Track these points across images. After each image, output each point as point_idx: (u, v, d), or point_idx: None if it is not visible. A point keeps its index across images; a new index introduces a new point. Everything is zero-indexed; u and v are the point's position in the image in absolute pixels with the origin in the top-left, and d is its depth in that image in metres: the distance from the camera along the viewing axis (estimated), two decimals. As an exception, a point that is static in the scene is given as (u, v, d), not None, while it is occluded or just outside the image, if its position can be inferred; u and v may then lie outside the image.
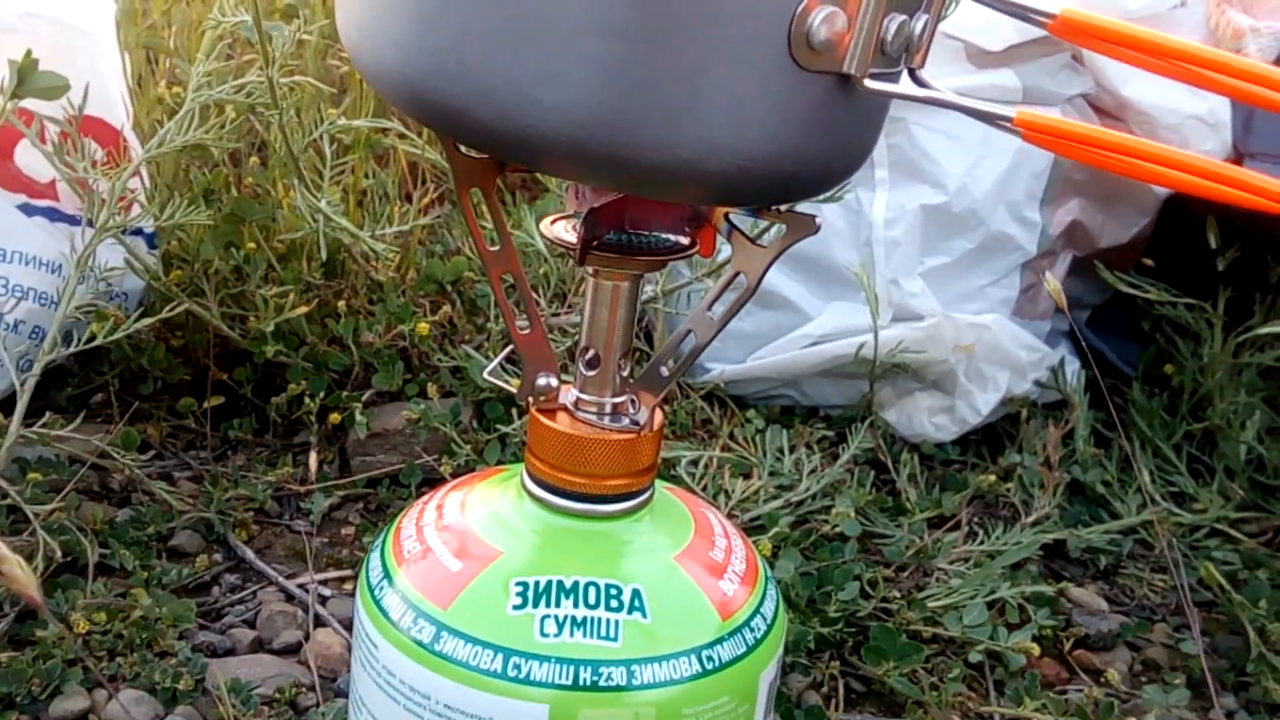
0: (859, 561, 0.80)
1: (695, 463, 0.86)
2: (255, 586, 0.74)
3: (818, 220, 0.42)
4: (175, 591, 0.71)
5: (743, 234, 0.45)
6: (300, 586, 0.74)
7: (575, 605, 0.46)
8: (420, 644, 0.46)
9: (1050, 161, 0.94)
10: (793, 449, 0.92)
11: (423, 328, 0.87)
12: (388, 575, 0.49)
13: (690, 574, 0.50)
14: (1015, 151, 0.92)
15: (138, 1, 1.24)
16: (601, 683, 0.45)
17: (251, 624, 0.71)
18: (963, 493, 0.91)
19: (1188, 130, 0.97)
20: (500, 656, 0.45)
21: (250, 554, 0.76)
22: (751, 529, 0.81)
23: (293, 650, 0.69)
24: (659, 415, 0.50)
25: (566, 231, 0.48)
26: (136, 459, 0.78)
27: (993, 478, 0.92)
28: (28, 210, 0.83)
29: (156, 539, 0.76)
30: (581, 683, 0.45)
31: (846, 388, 1.01)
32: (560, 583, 0.47)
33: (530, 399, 0.49)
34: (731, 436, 0.95)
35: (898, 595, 0.77)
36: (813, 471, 0.89)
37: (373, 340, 0.87)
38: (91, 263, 0.73)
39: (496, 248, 0.47)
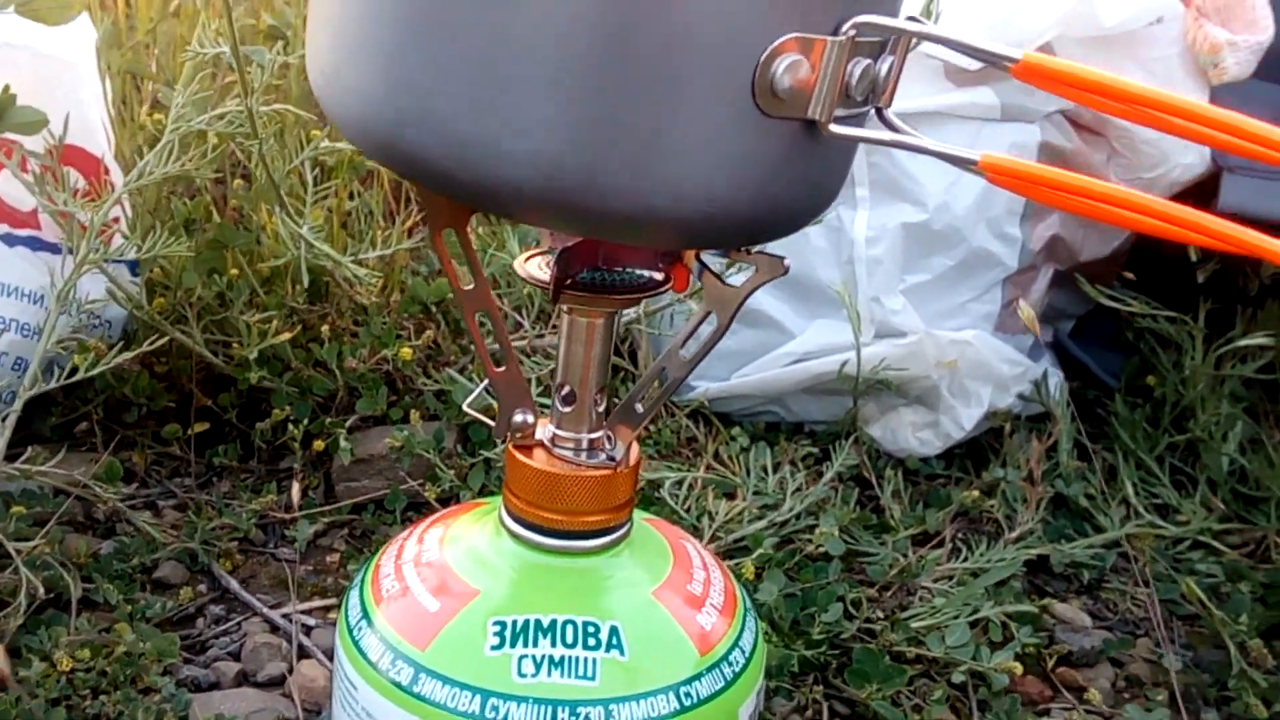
0: (843, 581, 0.80)
1: (679, 484, 0.86)
2: (240, 617, 0.74)
3: (786, 262, 0.43)
4: (159, 625, 0.71)
5: (714, 274, 0.45)
6: (285, 617, 0.74)
7: (553, 644, 0.47)
8: (399, 685, 0.46)
9: (1030, 177, 0.94)
10: (777, 467, 0.92)
11: (405, 353, 0.87)
12: (366, 616, 0.49)
13: (668, 609, 0.50)
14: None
15: (121, 20, 1.25)
16: (579, 722, 0.45)
17: (236, 656, 0.71)
18: (946, 509, 0.92)
19: (1167, 144, 0.97)
20: (478, 698, 0.45)
21: (234, 584, 0.76)
22: (735, 550, 0.81)
23: (277, 683, 0.69)
24: (635, 450, 0.51)
25: (540, 269, 0.48)
26: (120, 490, 0.78)
27: (976, 493, 0.92)
28: (9, 240, 0.83)
29: (141, 570, 0.76)
30: (559, 723, 0.45)
31: (831, 404, 1.01)
32: (538, 621, 0.47)
33: (507, 436, 0.50)
34: (716, 455, 0.95)
35: (881, 615, 0.77)
36: (797, 490, 0.89)
37: (356, 365, 0.88)
38: (73, 295, 0.73)
39: (471, 286, 0.47)
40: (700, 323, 0.47)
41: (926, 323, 0.96)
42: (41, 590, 0.67)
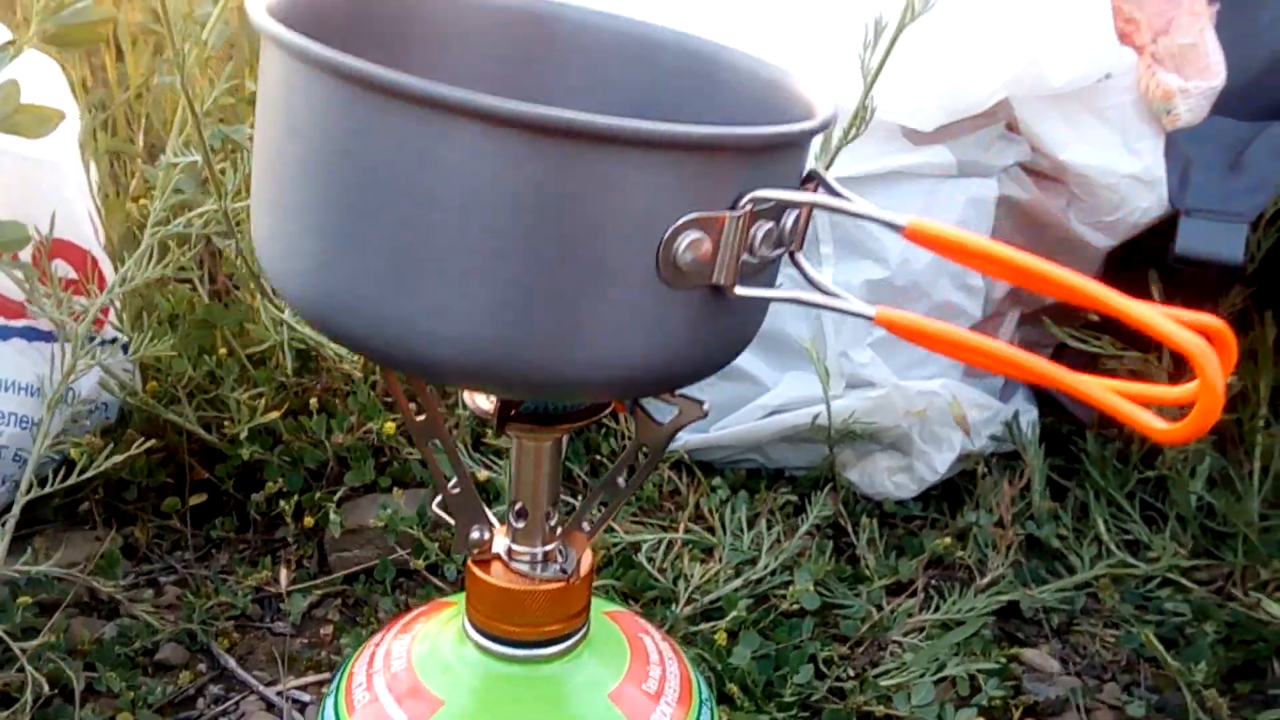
0: (816, 639, 0.83)
1: (657, 546, 0.89)
2: (238, 696, 0.78)
3: (705, 406, 0.46)
4: (160, 709, 0.74)
5: (644, 411, 0.48)
6: (280, 694, 0.78)
7: (511, 754, 0.50)
8: (369, 797, 0.50)
9: (990, 228, 0.97)
10: (754, 520, 0.95)
11: (389, 427, 0.90)
12: (339, 726, 0.53)
13: (624, 711, 0.53)
14: (954, 225, 0.95)
15: (113, 79, 1.28)
16: (536, 828, 0.49)
17: (233, 737, 0.74)
18: (919, 557, 0.94)
19: (1125, 188, 1.00)
20: (441, 809, 0.49)
21: (232, 663, 0.80)
22: (711, 611, 0.84)
23: (272, 764, 0.73)
24: (588, 560, 0.54)
25: (486, 400, 0.52)
26: (119, 581, 0.82)
27: (948, 540, 0.95)
28: (4, 333, 0.87)
29: (143, 653, 0.79)
30: (518, 829, 0.49)
31: (809, 451, 1.04)
32: (497, 732, 0.50)
33: (465, 552, 0.53)
34: (696, 507, 0.98)
35: (852, 674, 0.80)
36: (774, 543, 0.92)
37: (343, 440, 0.91)
38: (67, 393, 0.77)
39: (423, 418, 0.51)
40: (634, 455, 0.50)
41: (895, 373, 0.98)
42: (46, 686, 0.70)
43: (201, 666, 0.80)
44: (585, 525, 0.52)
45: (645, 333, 0.40)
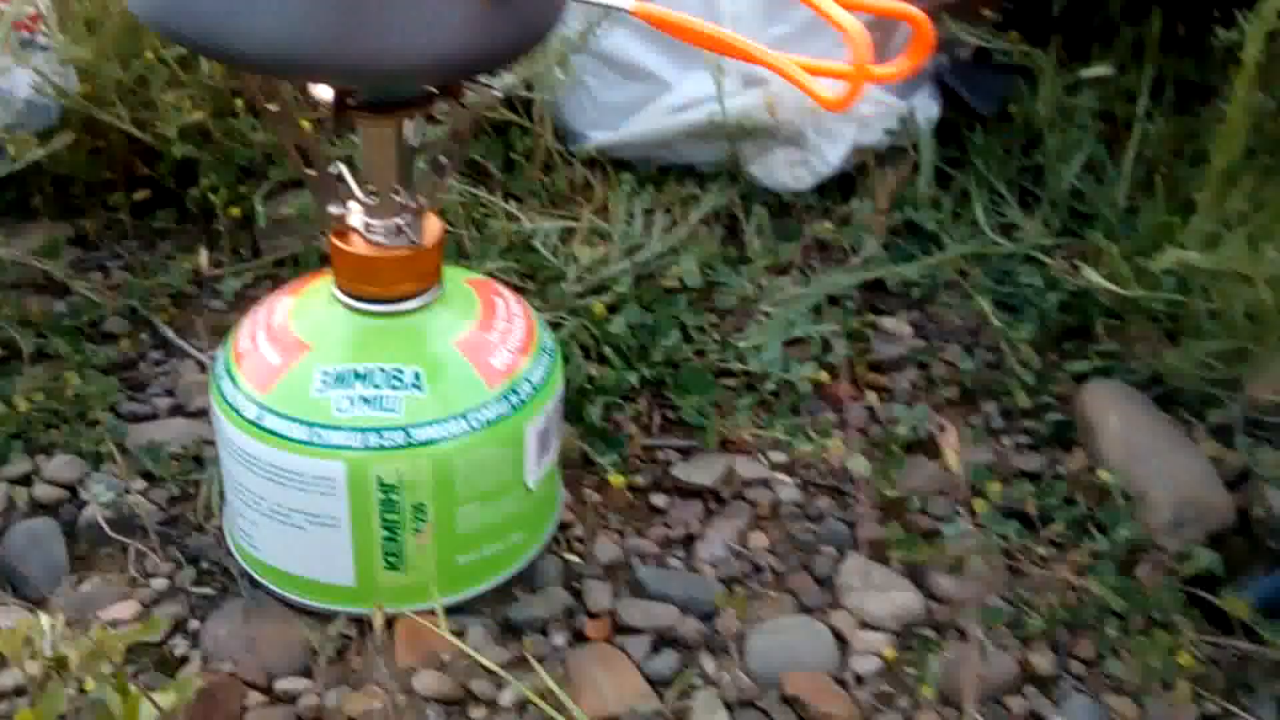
0: (693, 310, 0.93)
1: (552, 234, 0.97)
2: (176, 361, 0.89)
3: (495, 92, 0.53)
4: (105, 370, 0.85)
5: (452, 97, 0.56)
6: (211, 358, 0.88)
7: (365, 387, 0.61)
8: (248, 420, 0.61)
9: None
10: (651, 210, 1.03)
11: (304, 124, 0.97)
12: (228, 369, 0.63)
13: (464, 354, 0.63)
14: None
15: None
16: (384, 444, 0.60)
17: (171, 392, 0.86)
18: (801, 240, 1.03)
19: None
20: (306, 429, 0.60)
21: (170, 333, 0.91)
22: (599, 289, 0.94)
23: (205, 413, 0.84)
24: (434, 231, 0.63)
25: (324, 89, 0.59)
26: (65, 262, 0.91)
27: (829, 224, 1.04)
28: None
29: (89, 325, 0.90)
30: (369, 445, 0.60)
31: (715, 147, 1.11)
32: (355, 370, 0.61)
33: (325, 223, 0.62)
34: (605, 200, 1.06)
35: (717, 339, 0.90)
36: (670, 228, 1.01)
37: (267, 138, 0.98)
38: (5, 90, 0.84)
39: (277, 108, 0.58)
40: (453, 135, 0.58)
41: (791, 69, 1.04)
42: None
43: (144, 336, 0.91)
44: (425, 199, 0.61)
45: (430, 28, 0.48)
